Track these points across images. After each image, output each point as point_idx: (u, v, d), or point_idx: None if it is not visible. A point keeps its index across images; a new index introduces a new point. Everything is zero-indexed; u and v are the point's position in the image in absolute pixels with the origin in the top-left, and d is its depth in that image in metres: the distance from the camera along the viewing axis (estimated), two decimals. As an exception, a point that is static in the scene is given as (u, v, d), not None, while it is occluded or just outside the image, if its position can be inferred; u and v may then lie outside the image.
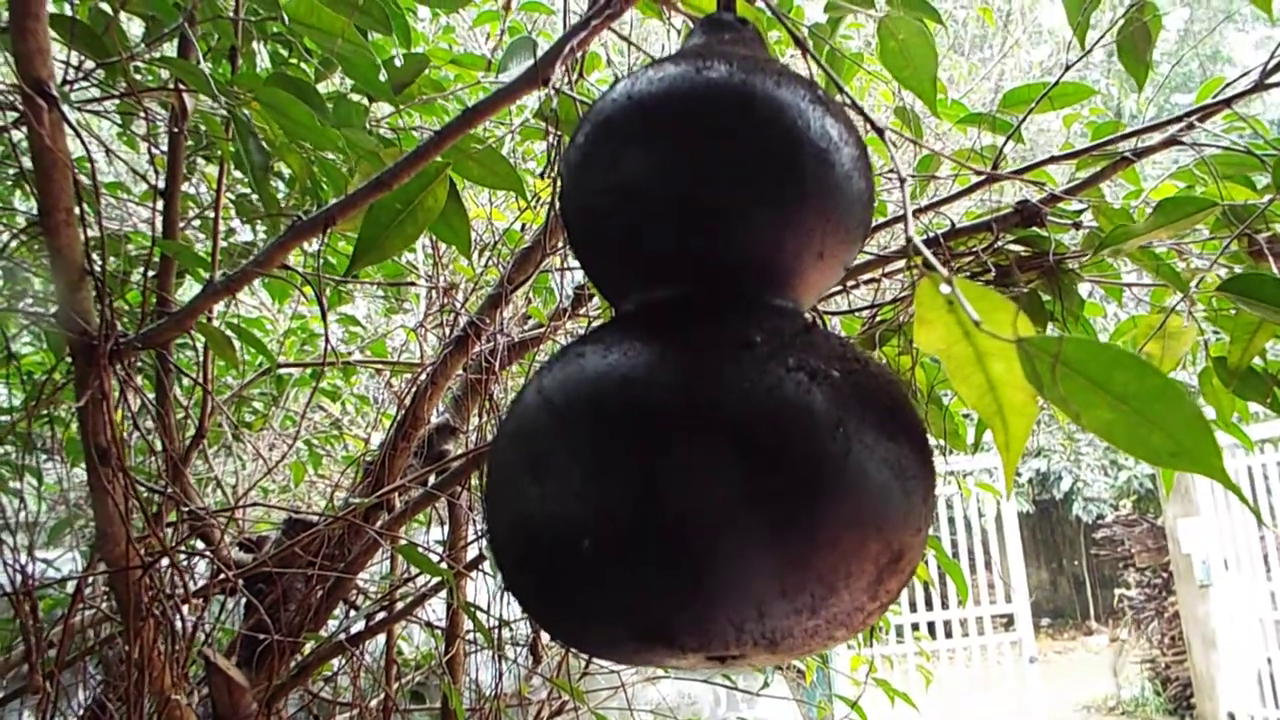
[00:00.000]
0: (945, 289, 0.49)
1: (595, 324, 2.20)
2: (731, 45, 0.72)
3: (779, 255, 0.65)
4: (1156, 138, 1.61)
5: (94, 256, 1.15)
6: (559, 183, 0.73)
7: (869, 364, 0.61)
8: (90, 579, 1.54)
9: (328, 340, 1.44)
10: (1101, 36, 1.71)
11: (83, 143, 1.08)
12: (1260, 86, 1.49)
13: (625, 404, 0.57)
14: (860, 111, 0.72)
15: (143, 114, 1.82)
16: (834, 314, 1.94)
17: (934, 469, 0.61)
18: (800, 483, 0.54)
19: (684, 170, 0.64)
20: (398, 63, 1.60)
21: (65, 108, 0.97)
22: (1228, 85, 1.61)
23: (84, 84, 1.51)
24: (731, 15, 0.76)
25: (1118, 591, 11.07)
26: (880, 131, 0.69)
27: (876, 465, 0.56)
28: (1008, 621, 8.75)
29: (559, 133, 1.19)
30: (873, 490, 0.55)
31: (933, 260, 0.50)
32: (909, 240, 0.52)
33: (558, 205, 0.79)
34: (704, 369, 0.57)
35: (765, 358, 0.57)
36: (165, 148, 1.82)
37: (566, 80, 1.14)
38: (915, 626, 8.17)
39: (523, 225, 2.51)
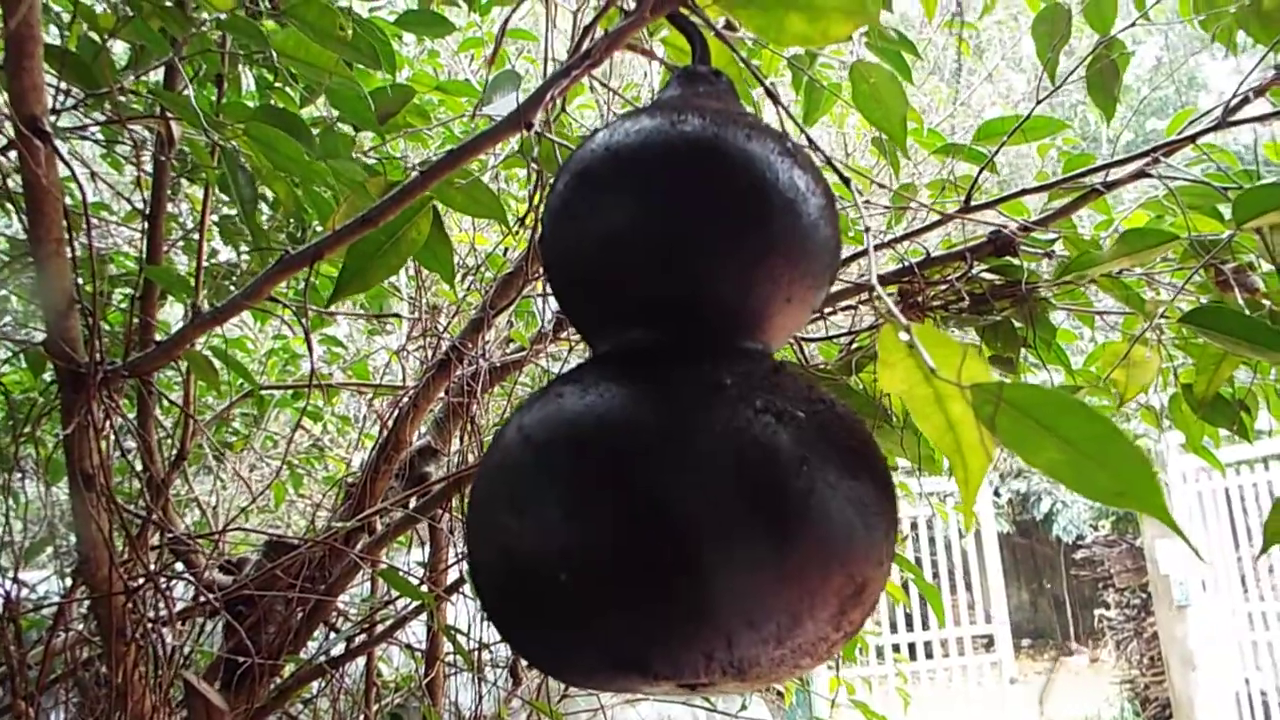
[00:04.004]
0: (904, 336, 0.52)
1: (575, 357, 2.22)
2: (705, 98, 0.75)
3: (748, 301, 0.68)
4: (1126, 170, 1.65)
5: (82, 285, 1.16)
6: (540, 226, 0.75)
7: (834, 404, 0.64)
8: (73, 599, 1.55)
9: (313, 367, 1.46)
10: (1073, 70, 1.76)
11: (73, 172, 1.10)
12: (1223, 124, 1.54)
13: (601, 443, 0.60)
14: (829, 161, 0.75)
15: (129, 139, 1.84)
16: (812, 340, 1.97)
17: (896, 504, 0.64)
18: (766, 519, 0.56)
19: (658, 220, 0.67)
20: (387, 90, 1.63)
21: (58, 142, 0.99)
22: (1193, 121, 1.66)
23: (71, 109, 1.52)
24: (706, 68, 0.79)
25: (1097, 612, 11.12)
26: (846, 180, 0.72)
27: (839, 502, 0.59)
28: (988, 642, 8.78)
29: (540, 169, 1.22)
30: (836, 526, 0.58)
31: (893, 309, 0.52)
32: (871, 288, 0.55)
33: (538, 248, 0.82)
34: (676, 411, 0.60)
35: (734, 400, 0.60)
36: (150, 169, 1.84)
37: (547, 123, 1.17)
38: (896, 647, 8.19)
39: (505, 250, 2.54)
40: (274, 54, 1.16)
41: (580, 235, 0.71)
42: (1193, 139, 1.56)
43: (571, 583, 0.58)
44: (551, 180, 1.20)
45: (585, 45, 0.88)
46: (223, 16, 1.12)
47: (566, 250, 0.73)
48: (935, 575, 8.59)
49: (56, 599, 1.84)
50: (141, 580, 1.37)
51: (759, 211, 0.67)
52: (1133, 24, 1.68)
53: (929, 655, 8.37)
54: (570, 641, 0.61)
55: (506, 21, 1.26)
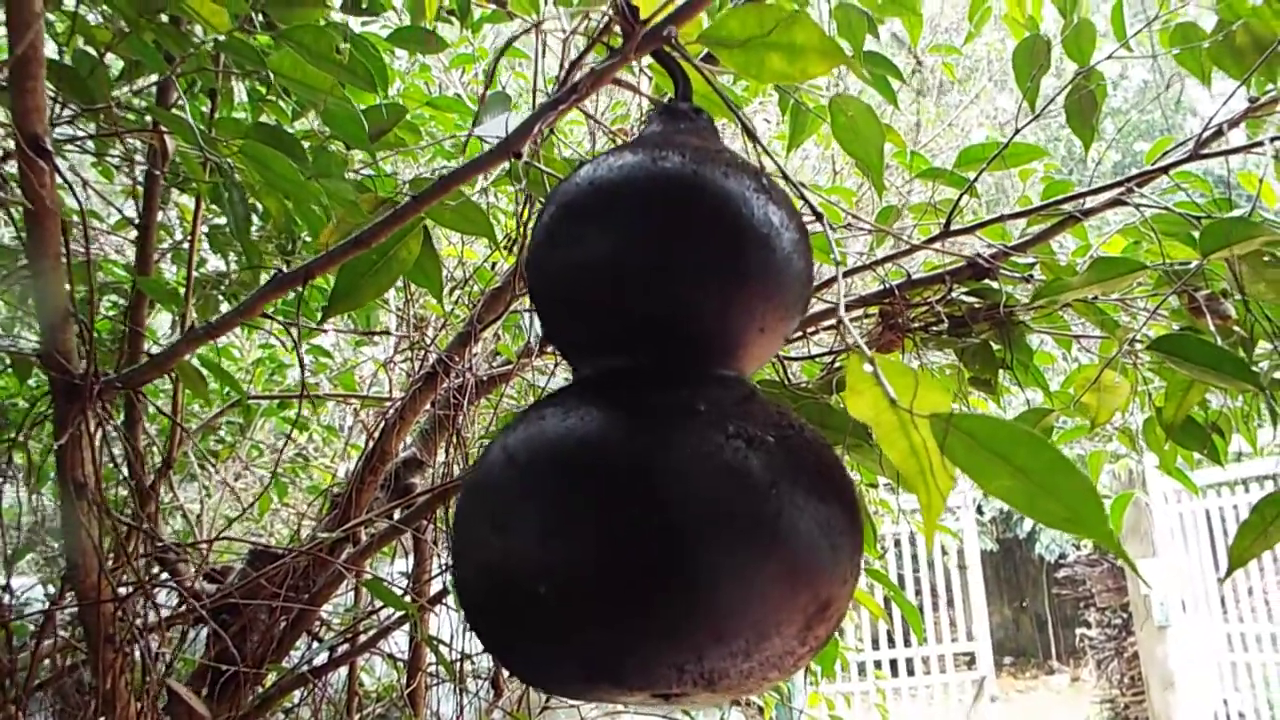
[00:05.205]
0: (868, 368, 0.55)
1: (561, 370, 2.25)
2: (686, 135, 0.78)
3: (723, 330, 0.71)
4: (1102, 198, 1.69)
5: (76, 296, 1.19)
6: (527, 253, 0.79)
7: (803, 430, 0.68)
8: (60, 606, 1.57)
9: (304, 379, 1.49)
10: (1053, 99, 1.80)
11: (71, 189, 1.12)
12: (1195, 156, 1.58)
13: (581, 464, 0.63)
14: (804, 198, 0.78)
15: (123, 152, 1.86)
16: (795, 359, 2.00)
17: (861, 526, 0.67)
18: (736, 539, 0.60)
19: (638, 252, 0.71)
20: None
21: (58, 159, 1.01)
22: (1167, 152, 1.70)
23: (68, 122, 1.55)
24: (688, 105, 0.83)
25: (1079, 631, 11.16)
26: (819, 216, 0.75)
27: (806, 523, 0.62)
28: (969, 660, 8.81)
29: (529, 194, 1.25)
30: (802, 546, 0.61)
31: (858, 340, 0.56)
32: (840, 321, 0.58)
33: (524, 274, 0.85)
34: (653, 435, 0.63)
35: (707, 425, 0.63)
36: (140, 177, 1.86)
37: (535, 151, 1.21)
38: (877, 664, 8.21)
39: (493, 264, 2.56)
40: (270, 74, 1.19)
41: (564, 264, 0.74)
42: (1165, 170, 1.60)
43: (550, 597, 0.61)
44: (539, 205, 1.23)
45: (574, 78, 0.92)
46: (221, 38, 1.14)
47: (551, 277, 0.76)
48: (918, 592, 8.62)
49: (39, 605, 1.85)
50: (132, 588, 1.39)
51: (735, 246, 0.70)
52: (1109, 56, 1.73)
53: (910, 672, 8.40)
54: (548, 653, 0.64)
55: (502, 52, 1.29)
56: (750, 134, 0.82)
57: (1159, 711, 7.89)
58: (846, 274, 1.81)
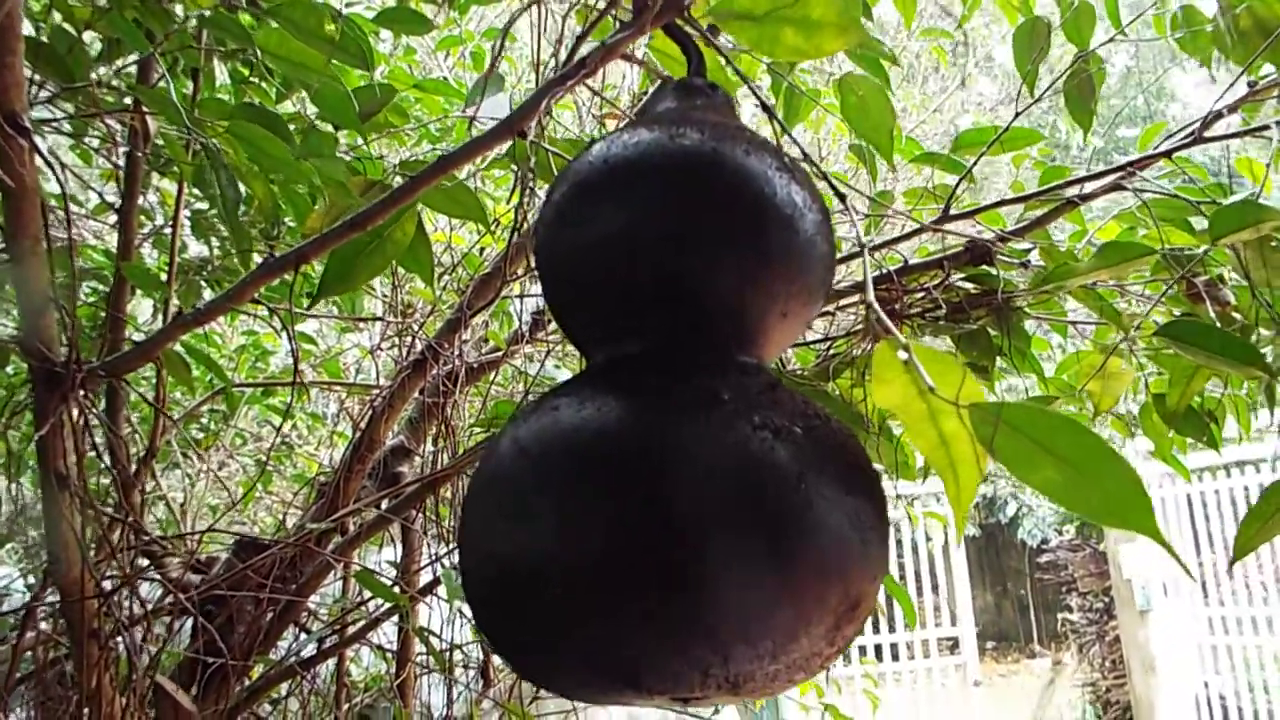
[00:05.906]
0: (903, 355, 0.53)
1: (552, 360, 2.22)
2: (703, 111, 0.75)
3: (745, 315, 0.68)
4: (1102, 183, 1.67)
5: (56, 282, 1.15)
6: (535, 236, 0.75)
7: (830, 421, 0.65)
8: (41, 601, 1.53)
9: (297, 366, 1.45)
10: (1050, 86, 1.77)
11: (52, 169, 1.08)
12: (1199, 139, 1.56)
13: (598, 458, 0.59)
14: (825, 178, 0.75)
15: (102, 133, 1.81)
16: (791, 346, 1.97)
17: (888, 519, 0.64)
18: (763, 535, 0.56)
19: (655, 234, 0.67)
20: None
21: (36, 138, 0.98)
22: (1168, 136, 1.68)
23: (45, 102, 1.50)
24: (703, 80, 0.79)
25: (1061, 615, 11.23)
26: (843, 197, 0.72)
27: (836, 518, 0.59)
28: (953, 645, 8.85)
29: (531, 174, 1.22)
30: (832, 541, 0.58)
31: (891, 328, 0.53)
32: (868, 306, 0.56)
33: (533, 258, 0.82)
34: (674, 425, 0.60)
35: (732, 415, 0.60)
36: (119, 161, 1.81)
37: (540, 130, 1.17)
38: (862, 649, 8.24)
39: (482, 249, 2.53)
40: (258, 52, 1.15)
41: (575, 243, 0.70)
42: (1168, 154, 1.58)
43: (564, 596, 0.57)
44: (542, 187, 1.20)
45: (579, 54, 0.88)
46: (206, 14, 1.10)
47: (561, 258, 0.72)
48: (902, 577, 8.65)
49: (19, 597, 1.81)
50: (118, 582, 1.36)
51: (756, 225, 0.67)
52: (1110, 40, 1.70)
53: (895, 657, 8.42)
54: (562, 655, 0.61)
55: (505, 31, 1.25)
56: (768, 110, 0.79)
57: (1140, 694, 7.94)
58: (844, 259, 1.79)
